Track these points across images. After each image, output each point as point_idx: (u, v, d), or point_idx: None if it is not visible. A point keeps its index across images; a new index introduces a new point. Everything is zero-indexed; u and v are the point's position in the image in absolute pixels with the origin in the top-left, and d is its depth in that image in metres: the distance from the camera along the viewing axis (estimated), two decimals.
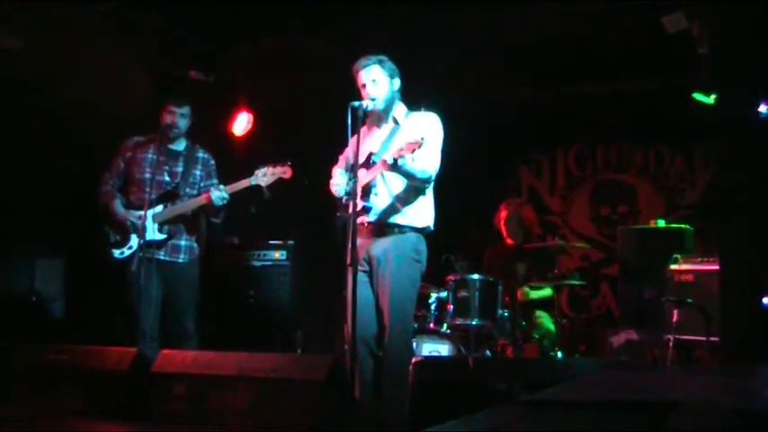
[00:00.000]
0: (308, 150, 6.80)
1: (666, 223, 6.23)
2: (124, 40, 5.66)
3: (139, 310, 4.38)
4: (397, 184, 3.98)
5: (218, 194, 4.53)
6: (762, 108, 4.07)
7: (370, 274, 3.98)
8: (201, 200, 4.61)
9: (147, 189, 4.55)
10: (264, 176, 4.51)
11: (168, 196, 4.63)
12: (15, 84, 5.11)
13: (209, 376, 3.26)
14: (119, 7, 5.36)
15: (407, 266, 3.94)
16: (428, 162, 3.88)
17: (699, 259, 5.22)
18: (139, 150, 4.69)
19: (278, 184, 4.57)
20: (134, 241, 4.54)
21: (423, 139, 3.59)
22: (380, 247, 3.96)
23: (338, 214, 4.02)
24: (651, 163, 7.23)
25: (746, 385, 2.73)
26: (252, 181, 4.53)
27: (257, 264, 5.87)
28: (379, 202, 3.98)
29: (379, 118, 4.11)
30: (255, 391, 3.12)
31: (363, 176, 3.91)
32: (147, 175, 4.60)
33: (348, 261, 3.63)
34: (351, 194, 3.75)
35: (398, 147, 3.67)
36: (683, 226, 6.09)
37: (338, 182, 4.08)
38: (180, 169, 4.71)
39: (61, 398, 3.54)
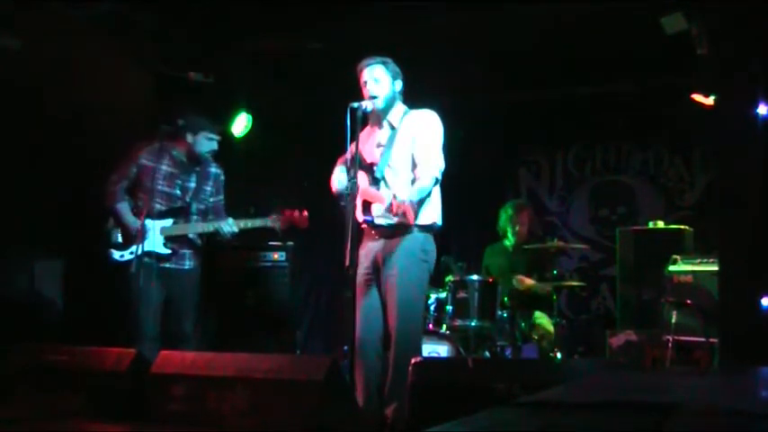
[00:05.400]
0: (307, 151, 6.82)
1: (665, 224, 6.23)
2: (123, 40, 5.66)
3: (139, 312, 4.37)
4: (402, 189, 3.89)
5: (229, 230, 4.53)
6: (761, 108, 4.06)
7: (377, 275, 3.94)
8: (210, 228, 4.59)
9: (158, 199, 4.57)
10: (278, 222, 4.52)
11: (179, 212, 4.63)
12: (14, 84, 5.10)
13: (208, 377, 3.26)
14: (118, 8, 5.36)
15: (415, 267, 3.91)
16: (433, 166, 3.86)
17: (698, 260, 5.22)
18: (154, 159, 4.64)
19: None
20: (137, 247, 4.53)
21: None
22: (388, 248, 3.92)
23: (342, 204, 3.97)
24: (650, 164, 7.23)
25: (746, 386, 2.73)
26: (268, 222, 4.54)
27: (256, 265, 5.87)
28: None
29: (378, 118, 4.07)
30: (254, 392, 3.12)
31: (365, 191, 3.87)
32: (159, 186, 4.60)
33: (347, 264, 3.62)
34: (350, 196, 3.72)
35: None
36: (682, 227, 6.10)
37: (338, 177, 4.04)
38: (192, 185, 4.72)
39: (60, 398, 3.54)
